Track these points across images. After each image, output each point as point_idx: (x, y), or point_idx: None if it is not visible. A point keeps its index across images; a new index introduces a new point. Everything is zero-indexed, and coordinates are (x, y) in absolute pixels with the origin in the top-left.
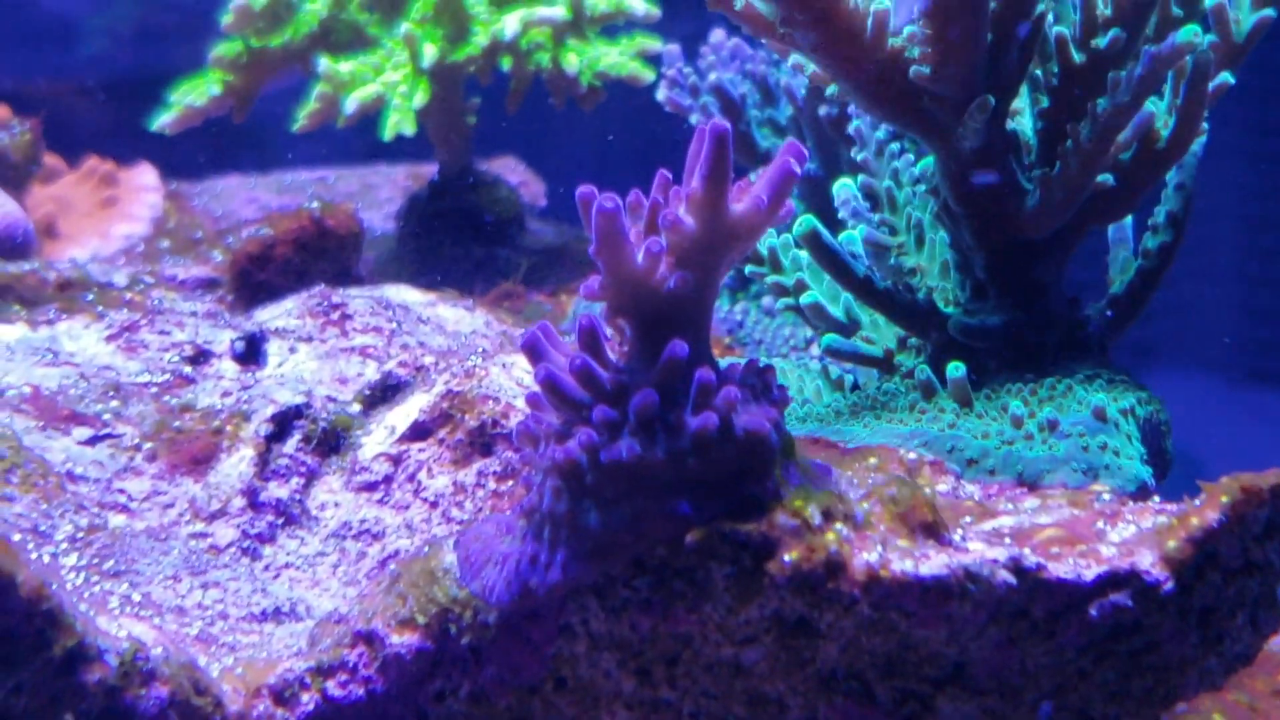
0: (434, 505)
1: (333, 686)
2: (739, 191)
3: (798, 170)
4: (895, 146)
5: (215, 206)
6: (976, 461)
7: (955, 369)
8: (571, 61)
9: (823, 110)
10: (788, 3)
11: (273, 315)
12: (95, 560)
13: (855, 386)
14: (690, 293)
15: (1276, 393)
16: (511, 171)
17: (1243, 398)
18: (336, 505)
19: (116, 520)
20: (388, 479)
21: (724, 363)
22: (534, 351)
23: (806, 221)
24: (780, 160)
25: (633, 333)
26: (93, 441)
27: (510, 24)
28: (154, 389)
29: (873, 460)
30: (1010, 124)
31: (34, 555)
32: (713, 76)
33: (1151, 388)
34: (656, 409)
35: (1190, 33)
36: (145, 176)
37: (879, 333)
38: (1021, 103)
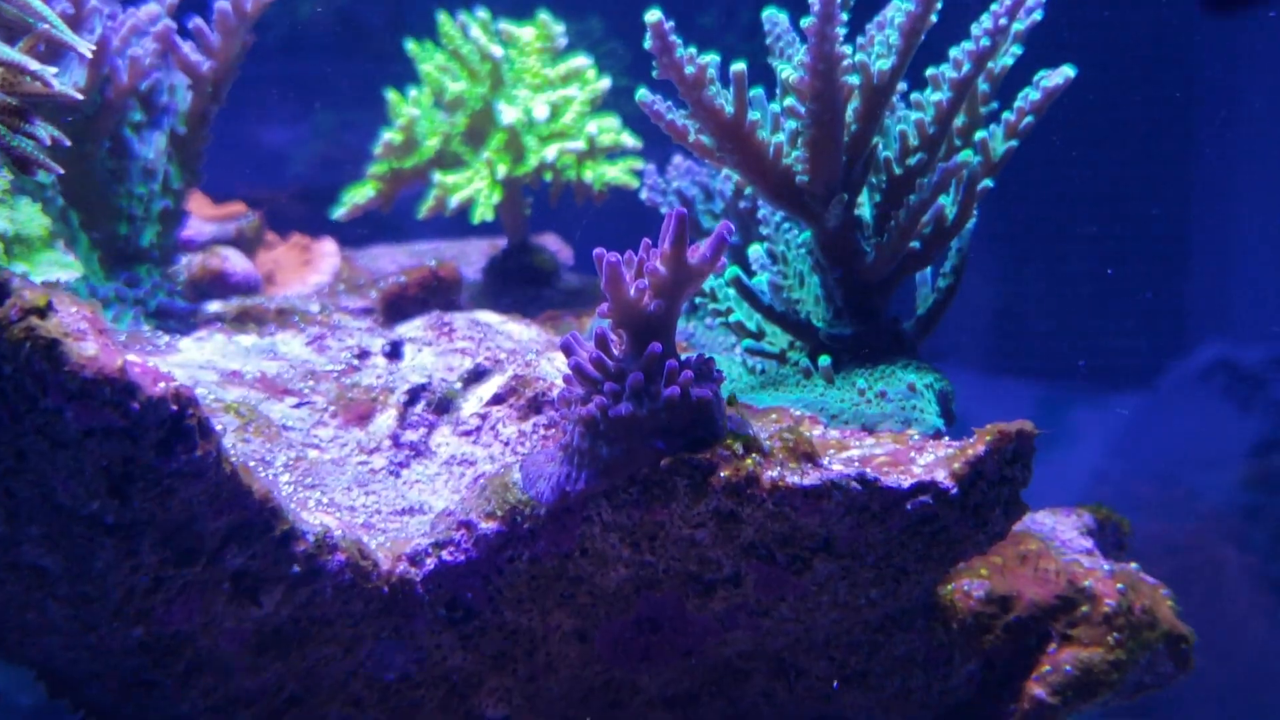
0: (507, 444)
1: (445, 554)
2: (693, 251)
3: (729, 238)
4: (787, 225)
5: (371, 264)
6: (837, 416)
7: (823, 361)
8: (588, 175)
9: (742, 203)
10: (719, 138)
11: (407, 330)
12: (299, 479)
13: (763, 372)
14: (663, 313)
15: (1014, 379)
16: (552, 243)
17: (992, 384)
18: (446, 445)
19: (312, 455)
20: (478, 429)
21: (683, 356)
22: (568, 349)
23: (732, 271)
24: (717, 232)
25: (627, 338)
26: (298, 406)
27: (550, 153)
28: (335, 374)
29: (773, 416)
30: (856, 211)
31: (262, 475)
32: (675, 184)
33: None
34: (643, 384)
35: (966, 155)
36: (328, 246)
37: (777, 339)
38: (863, 198)
